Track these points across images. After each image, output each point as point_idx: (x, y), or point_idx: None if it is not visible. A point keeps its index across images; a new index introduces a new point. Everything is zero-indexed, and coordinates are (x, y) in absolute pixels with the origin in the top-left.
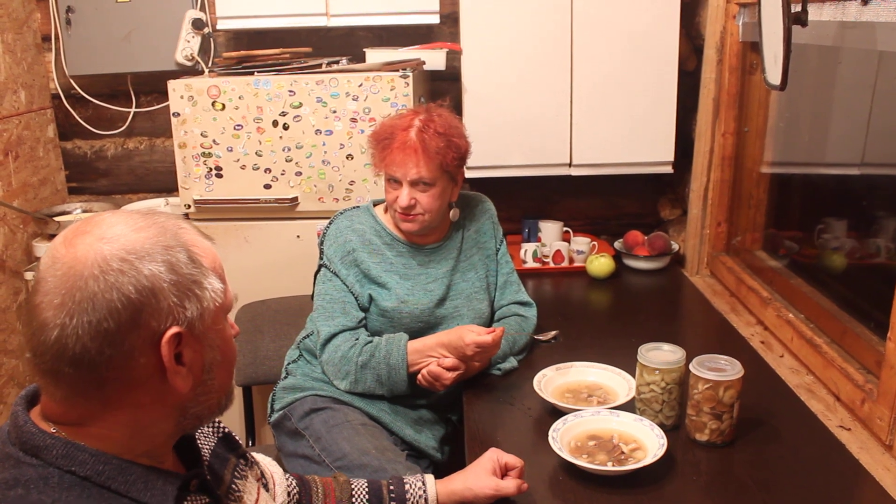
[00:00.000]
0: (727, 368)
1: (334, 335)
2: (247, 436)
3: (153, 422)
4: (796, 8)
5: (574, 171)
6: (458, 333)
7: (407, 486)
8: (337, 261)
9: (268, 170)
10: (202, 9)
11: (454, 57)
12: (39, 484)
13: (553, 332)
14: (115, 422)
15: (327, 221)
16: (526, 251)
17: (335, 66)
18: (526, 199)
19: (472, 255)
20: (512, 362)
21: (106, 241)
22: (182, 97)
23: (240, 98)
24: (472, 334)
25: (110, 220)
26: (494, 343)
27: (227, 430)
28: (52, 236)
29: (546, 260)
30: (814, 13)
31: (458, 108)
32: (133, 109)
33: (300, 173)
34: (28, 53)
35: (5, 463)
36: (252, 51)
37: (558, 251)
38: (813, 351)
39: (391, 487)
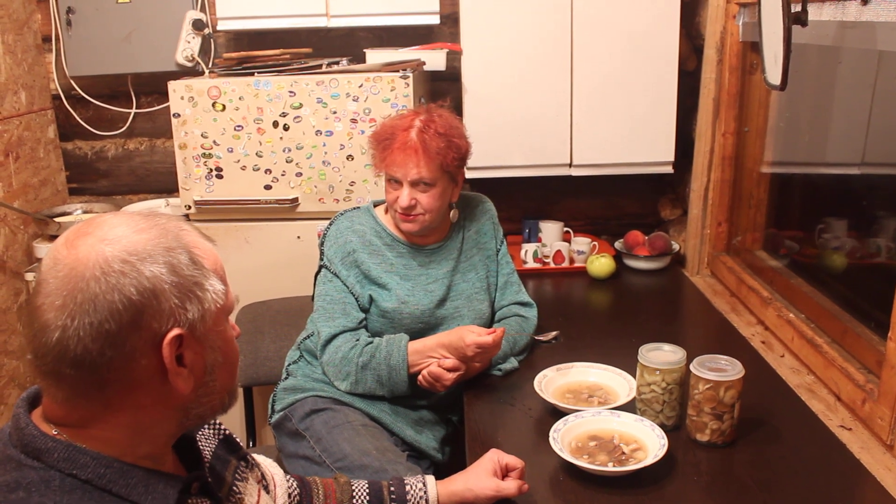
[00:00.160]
0: (728, 368)
1: (335, 336)
2: (247, 436)
3: (154, 423)
4: (796, 8)
5: (574, 172)
6: (458, 334)
7: (407, 487)
8: (337, 262)
9: (268, 170)
10: (202, 9)
11: (454, 57)
12: (41, 487)
13: (553, 333)
14: (116, 423)
15: (328, 222)
16: (526, 251)
17: (335, 67)
18: (526, 200)
19: (473, 255)
20: (512, 363)
21: (108, 243)
22: (182, 98)
23: (240, 99)
24: (473, 335)
25: (112, 221)
26: (495, 343)
27: (227, 431)
28: (52, 237)
29: (546, 260)
30: (814, 13)
31: (458, 109)
32: (133, 110)
33: (300, 174)
34: (28, 54)
35: (6, 465)
36: (252, 51)
37: (559, 251)
38: (813, 351)
39: (392, 488)
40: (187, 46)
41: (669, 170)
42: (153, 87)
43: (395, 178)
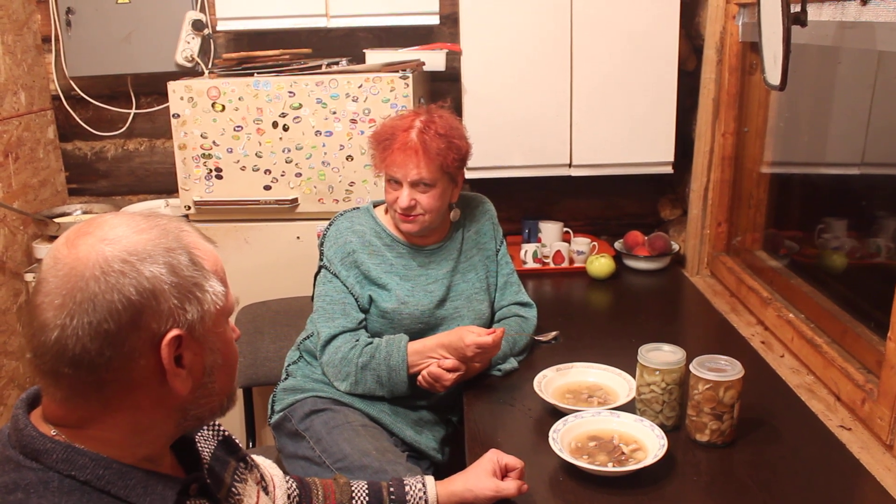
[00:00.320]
0: (727, 369)
1: (334, 336)
2: (247, 437)
3: (153, 424)
4: (796, 8)
5: (574, 172)
6: (458, 334)
7: (407, 488)
8: (337, 262)
9: (268, 171)
10: (202, 10)
11: (454, 58)
12: (39, 488)
13: (553, 333)
14: (114, 424)
15: (327, 223)
16: (526, 252)
17: (335, 67)
18: (526, 200)
19: (473, 255)
20: (512, 363)
21: (108, 243)
22: (182, 98)
23: (240, 99)
24: (473, 335)
25: (112, 221)
26: (495, 344)
27: (227, 433)
28: (52, 238)
29: (546, 260)
30: (813, 13)
31: (458, 109)
32: (133, 111)
33: (300, 174)
34: (28, 55)
35: (5, 466)
36: (252, 52)
37: (558, 252)
38: (813, 351)
39: (391, 489)
40: (187, 47)
41: (669, 170)
42: (153, 87)
43: (395, 178)
